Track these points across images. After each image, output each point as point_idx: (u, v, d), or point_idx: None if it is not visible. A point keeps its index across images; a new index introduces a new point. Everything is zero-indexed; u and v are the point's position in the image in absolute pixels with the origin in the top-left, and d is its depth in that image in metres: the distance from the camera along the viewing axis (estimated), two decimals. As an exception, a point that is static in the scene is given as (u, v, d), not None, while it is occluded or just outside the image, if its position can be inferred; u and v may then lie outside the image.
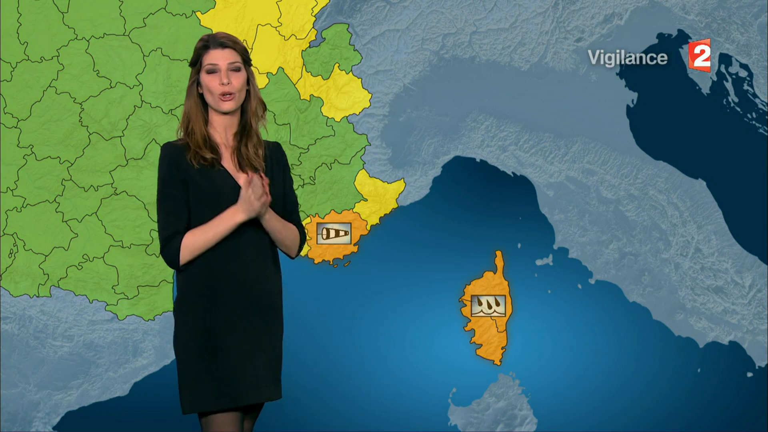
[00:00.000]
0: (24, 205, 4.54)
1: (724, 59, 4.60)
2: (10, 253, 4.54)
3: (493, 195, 4.90)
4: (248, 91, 3.60)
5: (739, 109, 4.49)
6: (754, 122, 4.42)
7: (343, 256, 4.85)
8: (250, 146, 3.62)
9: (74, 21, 4.51)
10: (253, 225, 3.55)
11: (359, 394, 5.35)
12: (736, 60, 4.52)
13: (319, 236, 4.79)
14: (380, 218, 4.80)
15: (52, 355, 5.02)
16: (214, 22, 4.67)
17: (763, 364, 4.66)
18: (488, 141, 4.55)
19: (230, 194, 3.52)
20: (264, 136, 3.66)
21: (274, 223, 3.60)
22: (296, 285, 5.01)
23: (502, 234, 4.85)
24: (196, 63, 3.57)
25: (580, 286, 4.70)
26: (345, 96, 4.52)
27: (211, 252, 3.51)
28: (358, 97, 4.55)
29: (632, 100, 4.50)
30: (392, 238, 4.96)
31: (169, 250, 3.52)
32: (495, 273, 4.63)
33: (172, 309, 3.48)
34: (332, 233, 4.73)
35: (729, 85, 4.53)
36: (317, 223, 4.68)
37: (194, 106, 3.58)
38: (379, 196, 4.65)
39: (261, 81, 4.68)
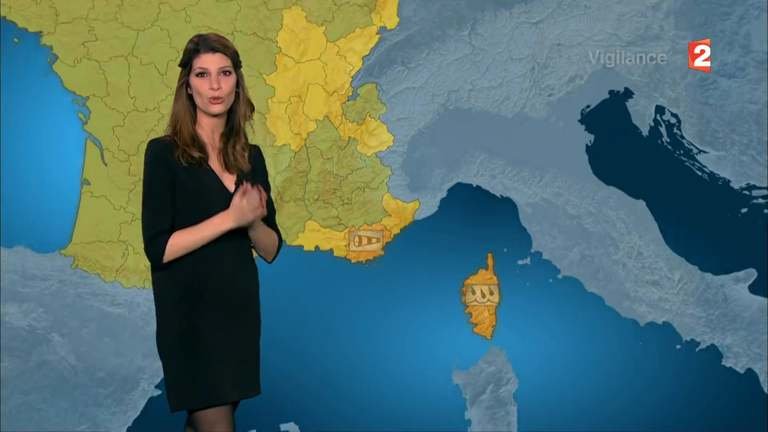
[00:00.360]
0: (132, 220, 5.04)
1: (660, 110, 5.10)
2: (123, 255, 5.06)
3: (486, 211, 5.19)
4: (237, 93, 3.52)
5: (670, 147, 5.11)
6: (681, 157, 5.07)
7: (374, 257, 5.12)
8: (237, 147, 3.50)
9: (170, 81, 4.94)
10: (237, 230, 3.46)
11: (377, 356, 5.23)
12: (668, 110, 5.09)
13: (352, 243, 5.09)
14: (401, 229, 5.11)
15: (153, 332, 5.52)
16: (277, 82, 5.00)
17: (689, 339, 5.18)
18: (482, 171, 5.12)
19: (216, 194, 3.45)
20: (250, 137, 3.58)
21: (260, 231, 3.52)
22: (330, 283, 5.22)
23: (493, 240, 5.16)
24: (186, 65, 3.47)
25: (551, 280, 5.16)
26: (374, 137, 5.03)
27: (193, 252, 3.40)
28: (384, 138, 5.05)
29: (590, 140, 5.11)
30: (409, 244, 5.19)
31: (154, 248, 3.39)
32: (487, 270, 5.07)
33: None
34: (365, 240, 5.07)
35: (663, 129, 5.12)
36: (350, 232, 5.04)
37: (183, 107, 3.48)
38: (400, 213, 5.07)
39: (310, 126, 5.04)
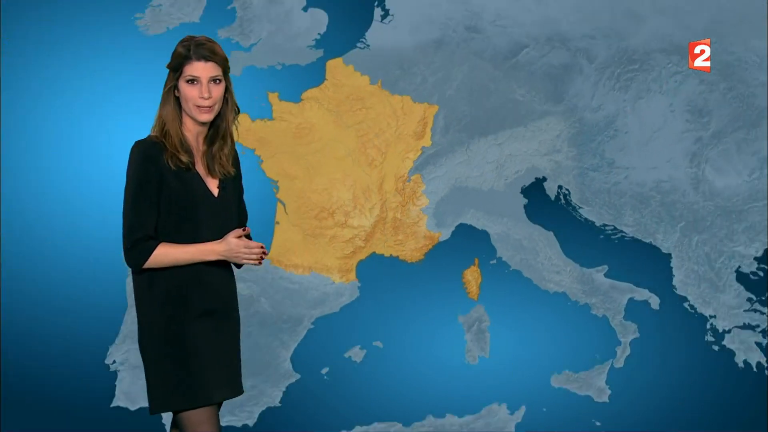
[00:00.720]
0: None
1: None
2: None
3: (476, 240, 5.80)
4: (225, 99, 3.41)
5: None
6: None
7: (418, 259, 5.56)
8: (225, 151, 3.40)
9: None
10: (221, 235, 3.33)
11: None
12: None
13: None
14: (425, 254, 5.57)
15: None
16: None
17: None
18: (474, 222, 5.83)
19: (201, 198, 3.34)
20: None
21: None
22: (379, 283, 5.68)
23: (481, 251, 5.74)
24: (177, 69, 3.33)
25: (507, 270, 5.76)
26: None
27: None
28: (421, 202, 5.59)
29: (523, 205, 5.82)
30: (434, 255, 5.70)
31: (138, 252, 3.26)
32: (474, 266, 5.60)
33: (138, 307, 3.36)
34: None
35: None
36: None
37: (171, 112, 3.37)
38: (433, 240, 5.65)
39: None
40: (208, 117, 3.36)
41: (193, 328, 3.36)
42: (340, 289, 5.36)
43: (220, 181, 3.42)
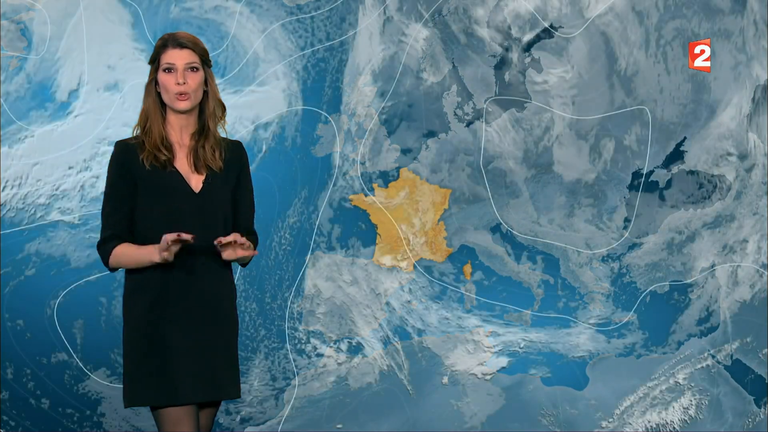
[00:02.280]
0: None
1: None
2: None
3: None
4: (206, 92, 3.28)
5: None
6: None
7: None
8: (207, 147, 3.26)
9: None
10: (206, 231, 3.23)
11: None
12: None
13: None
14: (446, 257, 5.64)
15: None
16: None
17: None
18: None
19: (180, 195, 3.23)
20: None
21: (237, 260, 3.29)
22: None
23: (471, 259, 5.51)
24: (154, 61, 3.24)
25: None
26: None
27: None
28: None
29: None
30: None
31: (102, 251, 3.24)
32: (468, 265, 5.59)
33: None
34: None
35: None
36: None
37: (153, 105, 3.24)
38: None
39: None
40: (185, 105, 3.25)
41: (172, 326, 3.23)
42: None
43: (206, 176, 3.29)
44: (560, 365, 5.56)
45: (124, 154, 3.22)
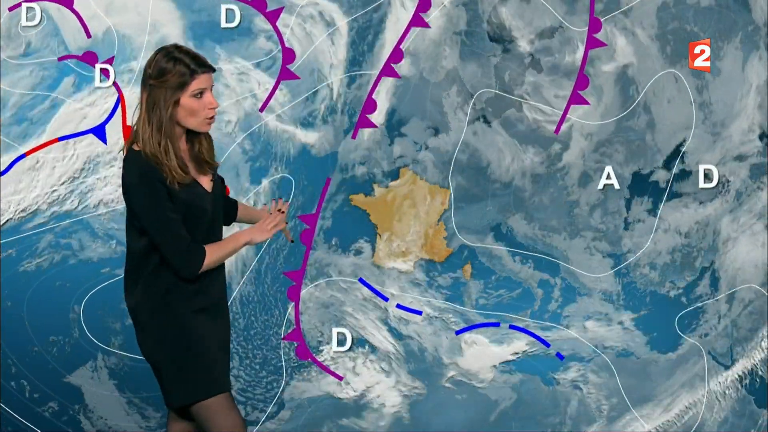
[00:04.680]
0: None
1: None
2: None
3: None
4: None
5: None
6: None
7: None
8: (205, 144, 3.30)
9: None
10: (217, 223, 3.35)
11: None
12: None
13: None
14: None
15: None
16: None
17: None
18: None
19: (203, 200, 3.26)
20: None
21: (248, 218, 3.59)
22: None
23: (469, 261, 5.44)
24: (182, 86, 3.14)
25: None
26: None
27: None
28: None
29: None
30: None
31: (194, 257, 3.19)
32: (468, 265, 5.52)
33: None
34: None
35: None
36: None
37: (171, 128, 3.16)
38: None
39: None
40: (212, 125, 3.33)
41: (196, 323, 3.30)
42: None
43: (212, 175, 3.39)
44: (560, 365, 5.54)
45: (155, 174, 3.17)
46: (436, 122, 5.57)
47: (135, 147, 3.22)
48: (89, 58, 5.18)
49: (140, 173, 3.17)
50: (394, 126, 5.54)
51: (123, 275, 3.37)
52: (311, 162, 5.46)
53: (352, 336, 5.48)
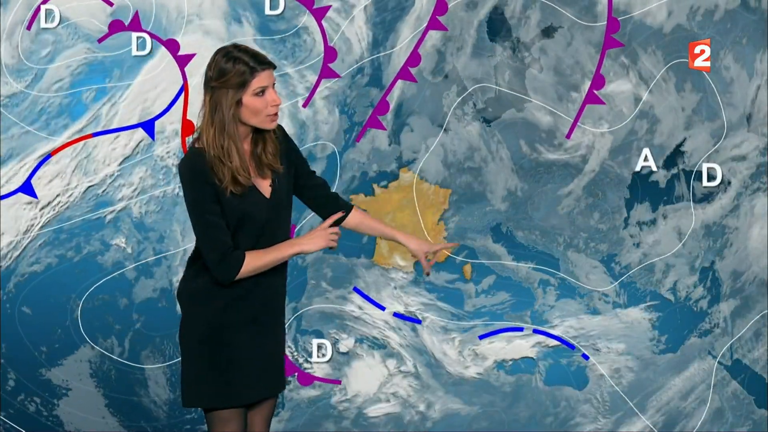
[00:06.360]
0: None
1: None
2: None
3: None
4: None
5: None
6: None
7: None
8: (270, 149, 3.25)
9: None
10: (278, 231, 3.28)
11: None
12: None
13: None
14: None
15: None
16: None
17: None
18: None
19: (258, 206, 3.22)
20: None
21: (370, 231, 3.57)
22: None
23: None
24: (243, 85, 3.12)
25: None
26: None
27: None
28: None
29: None
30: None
31: (229, 266, 3.15)
32: (469, 265, 5.52)
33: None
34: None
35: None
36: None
37: (235, 130, 3.14)
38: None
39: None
40: (277, 122, 3.28)
41: (237, 336, 3.25)
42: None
43: (273, 180, 3.30)
44: (560, 365, 5.52)
45: (203, 172, 3.14)
46: (437, 122, 5.55)
47: (197, 144, 3.21)
48: (116, 26, 5.14)
49: (192, 172, 3.16)
50: (395, 126, 5.54)
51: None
52: (311, 162, 5.44)
53: (353, 339, 5.48)
